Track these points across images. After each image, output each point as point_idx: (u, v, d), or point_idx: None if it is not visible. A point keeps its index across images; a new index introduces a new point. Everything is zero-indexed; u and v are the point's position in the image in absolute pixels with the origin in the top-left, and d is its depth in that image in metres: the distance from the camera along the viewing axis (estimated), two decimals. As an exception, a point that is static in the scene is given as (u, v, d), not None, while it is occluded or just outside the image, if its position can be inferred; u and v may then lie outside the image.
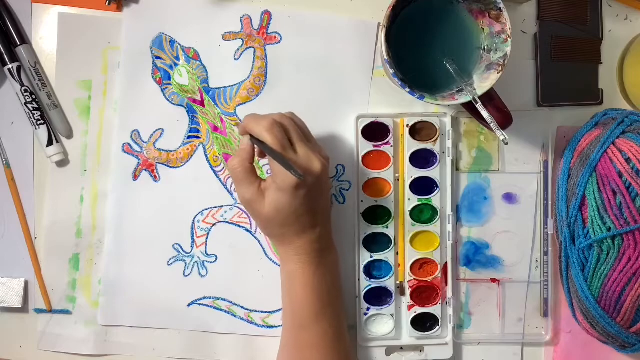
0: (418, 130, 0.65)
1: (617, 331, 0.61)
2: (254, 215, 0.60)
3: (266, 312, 0.66)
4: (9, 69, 0.64)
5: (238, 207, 0.66)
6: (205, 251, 0.66)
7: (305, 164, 0.56)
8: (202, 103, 0.65)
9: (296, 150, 0.57)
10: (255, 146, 0.58)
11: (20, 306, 0.65)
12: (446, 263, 0.65)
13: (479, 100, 0.56)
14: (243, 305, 0.66)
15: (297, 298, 0.59)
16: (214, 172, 0.66)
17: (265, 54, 0.65)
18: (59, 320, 0.66)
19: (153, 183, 0.66)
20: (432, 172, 0.65)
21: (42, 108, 0.64)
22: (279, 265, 0.62)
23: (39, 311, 0.66)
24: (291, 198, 0.56)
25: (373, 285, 0.65)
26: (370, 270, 0.65)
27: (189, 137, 0.65)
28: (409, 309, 0.65)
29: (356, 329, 0.65)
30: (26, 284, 0.66)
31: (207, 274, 0.66)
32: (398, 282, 0.65)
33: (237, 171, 0.57)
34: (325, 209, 0.61)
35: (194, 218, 0.66)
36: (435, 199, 0.65)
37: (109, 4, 0.64)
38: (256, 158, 0.59)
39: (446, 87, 0.60)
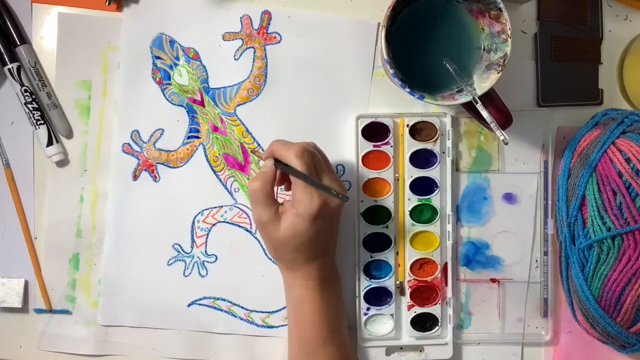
0: (418, 130, 0.65)
1: (617, 331, 0.61)
2: (266, 238, 0.59)
3: (266, 312, 0.66)
4: (9, 69, 0.64)
5: (238, 207, 0.66)
6: (205, 251, 0.66)
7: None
8: (202, 103, 0.65)
9: (321, 178, 0.57)
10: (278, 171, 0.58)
11: (20, 306, 0.65)
12: (446, 263, 0.65)
13: (479, 100, 0.56)
14: (243, 306, 0.66)
15: (305, 324, 0.59)
16: (214, 172, 0.66)
17: (265, 54, 0.65)
18: (59, 320, 0.66)
19: (153, 183, 0.66)
20: (432, 172, 0.65)
21: (42, 108, 0.64)
22: (284, 289, 0.62)
23: (39, 311, 0.66)
24: (309, 225, 0.56)
25: (373, 285, 0.65)
26: (370, 270, 0.65)
27: (188, 137, 0.65)
28: (409, 309, 0.65)
29: (356, 329, 0.65)
30: (26, 284, 0.66)
31: (207, 274, 0.66)
32: (398, 282, 0.65)
33: (258, 193, 0.57)
34: (336, 237, 0.62)
35: (194, 218, 0.66)
36: (435, 199, 0.65)
37: (108, 4, 0.64)
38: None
39: (446, 87, 0.60)
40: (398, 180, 0.65)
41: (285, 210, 0.57)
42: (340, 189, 0.58)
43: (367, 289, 0.65)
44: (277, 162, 0.58)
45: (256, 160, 0.66)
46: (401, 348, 0.66)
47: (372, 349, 0.65)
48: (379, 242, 0.65)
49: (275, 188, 0.62)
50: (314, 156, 0.58)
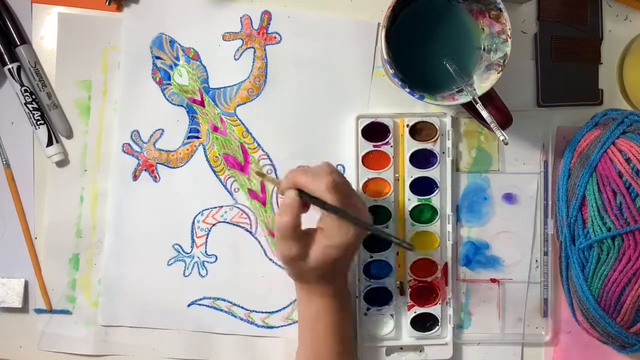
0: (418, 130, 0.65)
1: (617, 331, 0.61)
2: (293, 269, 0.57)
3: (266, 312, 0.66)
4: (9, 69, 0.64)
5: (238, 207, 0.66)
6: (205, 251, 0.66)
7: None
8: (202, 103, 0.65)
9: (352, 204, 0.55)
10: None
11: (20, 306, 0.65)
12: (446, 263, 0.65)
13: (479, 100, 0.56)
14: (243, 306, 0.66)
15: (320, 339, 0.59)
16: (214, 172, 0.66)
17: (265, 54, 0.65)
18: (59, 320, 0.66)
19: (153, 183, 0.66)
20: (432, 172, 0.65)
21: (42, 108, 0.64)
22: (298, 305, 0.61)
23: (39, 311, 0.66)
24: (340, 254, 0.55)
25: (373, 285, 0.65)
26: (370, 270, 0.65)
27: (188, 138, 0.65)
28: (409, 309, 0.65)
29: (356, 329, 0.65)
30: (26, 284, 0.66)
31: (207, 274, 0.66)
32: (398, 282, 0.65)
33: (288, 229, 0.54)
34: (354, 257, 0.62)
35: (194, 218, 0.66)
36: (435, 199, 0.65)
37: (109, 4, 0.64)
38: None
39: (446, 87, 0.60)
40: (398, 180, 0.65)
41: (315, 241, 0.55)
42: (366, 213, 0.57)
43: (367, 289, 0.65)
44: (303, 193, 0.55)
45: (256, 160, 0.65)
46: (401, 348, 0.66)
47: (372, 349, 0.65)
48: (379, 242, 0.65)
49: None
50: (342, 184, 0.55)
